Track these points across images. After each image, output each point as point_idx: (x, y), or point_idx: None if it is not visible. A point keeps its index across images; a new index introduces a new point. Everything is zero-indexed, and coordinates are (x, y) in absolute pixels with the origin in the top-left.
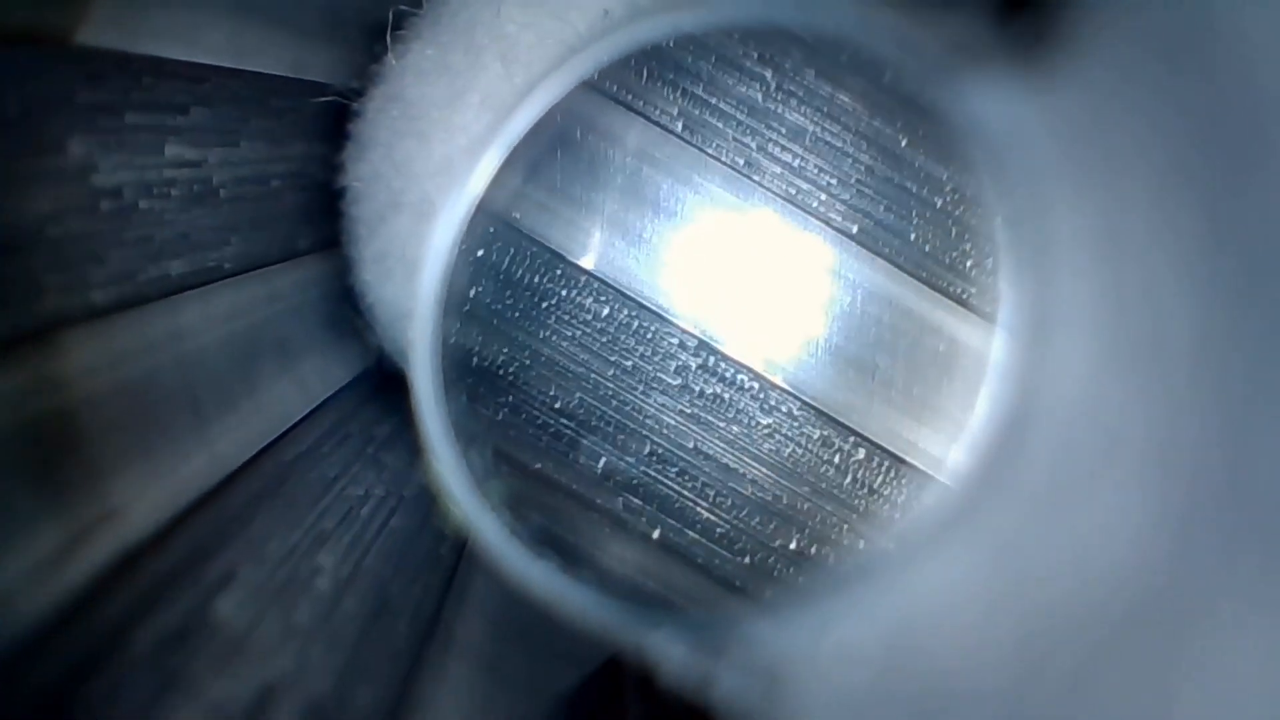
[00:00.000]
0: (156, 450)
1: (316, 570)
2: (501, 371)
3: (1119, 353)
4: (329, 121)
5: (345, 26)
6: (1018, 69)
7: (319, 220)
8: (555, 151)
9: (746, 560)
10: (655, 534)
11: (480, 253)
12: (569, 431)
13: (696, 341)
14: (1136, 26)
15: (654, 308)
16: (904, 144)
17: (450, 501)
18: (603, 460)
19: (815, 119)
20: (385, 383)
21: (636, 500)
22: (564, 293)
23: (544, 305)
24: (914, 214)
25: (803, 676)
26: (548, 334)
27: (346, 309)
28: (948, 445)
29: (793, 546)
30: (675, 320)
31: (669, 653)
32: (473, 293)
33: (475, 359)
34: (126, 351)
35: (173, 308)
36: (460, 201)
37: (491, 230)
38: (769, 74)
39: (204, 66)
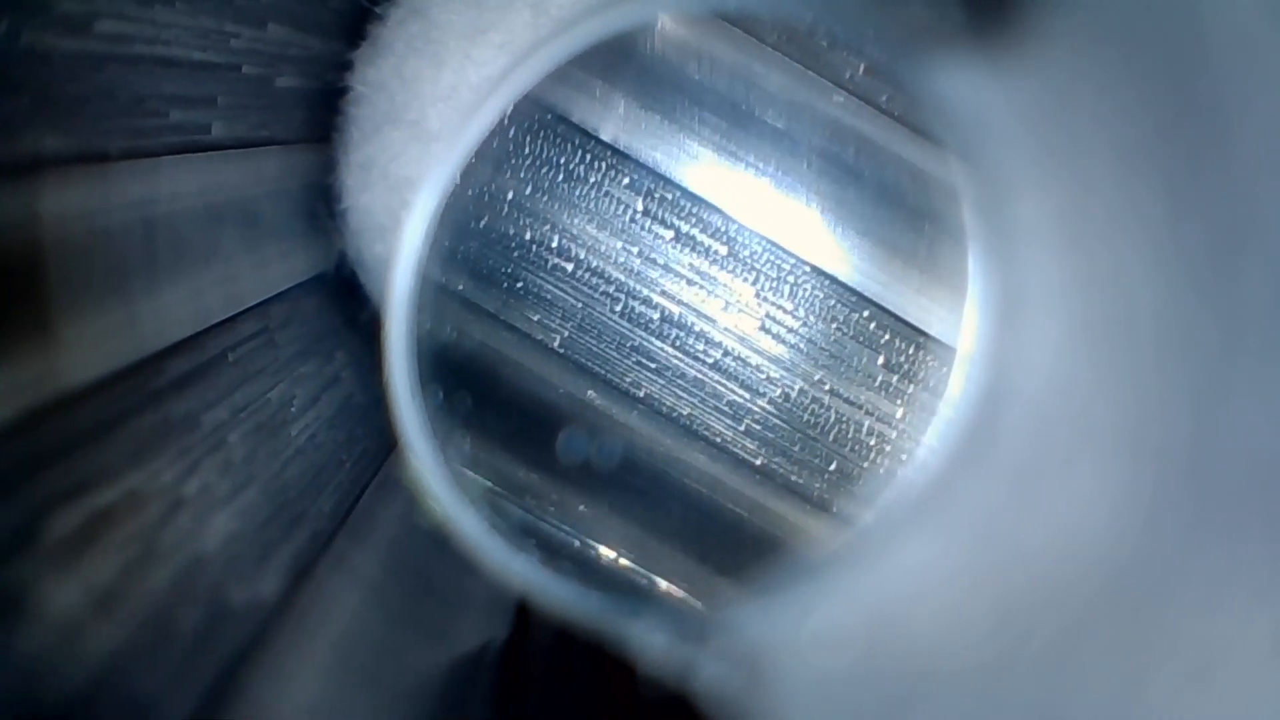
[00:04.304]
0: (108, 306)
1: (239, 453)
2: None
3: (1088, 332)
4: (350, 18)
5: None
6: (982, 52)
7: (317, 113)
8: None
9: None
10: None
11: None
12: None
13: (703, 207)
14: (1097, 8)
15: (670, 177)
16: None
17: (428, 497)
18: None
19: None
20: (340, 289)
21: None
22: (582, 170)
23: (559, 186)
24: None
25: (783, 662)
26: (561, 219)
27: (322, 206)
28: (959, 317)
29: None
30: (691, 189)
31: (650, 642)
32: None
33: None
34: (101, 205)
35: (155, 169)
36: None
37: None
38: None
39: None
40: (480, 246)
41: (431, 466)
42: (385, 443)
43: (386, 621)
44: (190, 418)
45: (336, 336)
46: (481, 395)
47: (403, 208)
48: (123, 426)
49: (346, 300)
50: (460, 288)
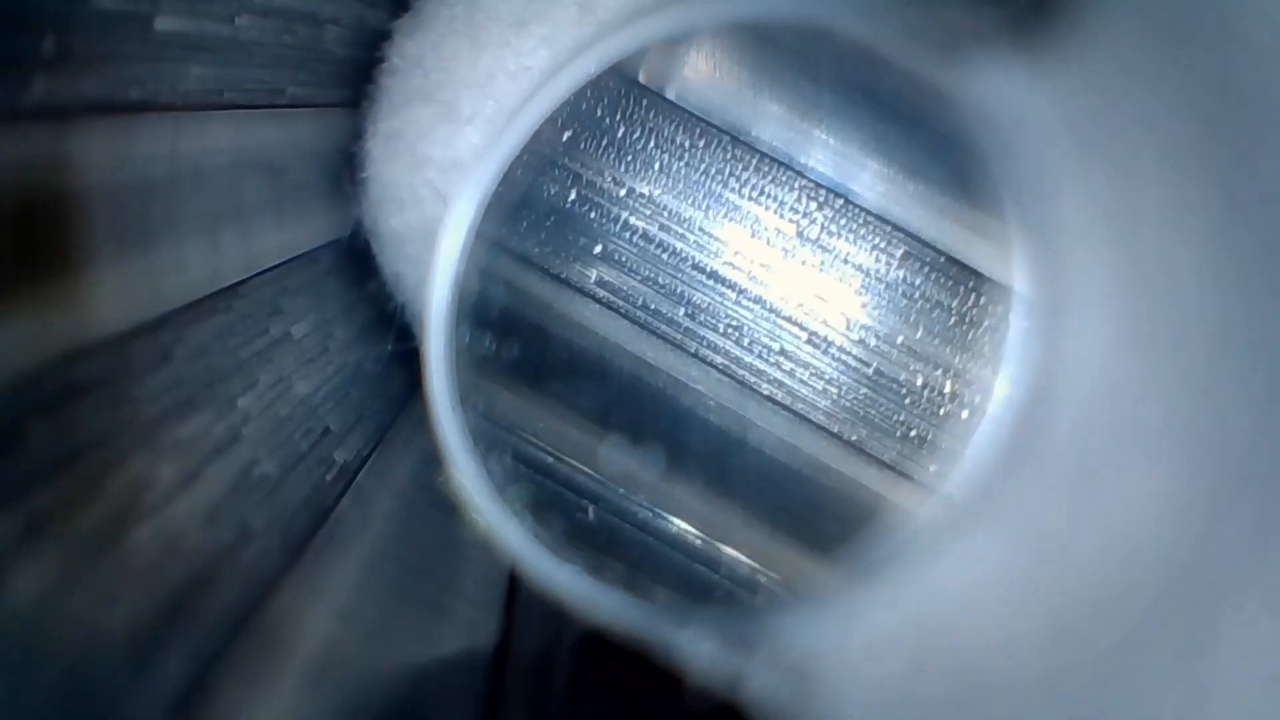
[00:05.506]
0: (130, 257)
1: (244, 415)
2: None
3: (1138, 332)
4: None
5: None
6: (1023, 52)
7: (351, 79)
8: None
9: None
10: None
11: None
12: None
13: (774, 165)
14: (1140, 5)
15: (739, 135)
16: None
17: (472, 509)
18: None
19: None
20: (354, 258)
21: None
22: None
23: (625, 150)
24: None
25: (833, 671)
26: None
27: (345, 172)
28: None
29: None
30: (758, 146)
31: (698, 650)
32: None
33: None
34: (133, 156)
35: (187, 122)
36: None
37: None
38: None
39: None
40: (539, 212)
41: (474, 479)
42: (388, 411)
43: (380, 608)
44: (199, 377)
45: (346, 305)
46: (536, 366)
47: (424, 185)
48: (135, 381)
49: (359, 269)
50: (515, 247)
